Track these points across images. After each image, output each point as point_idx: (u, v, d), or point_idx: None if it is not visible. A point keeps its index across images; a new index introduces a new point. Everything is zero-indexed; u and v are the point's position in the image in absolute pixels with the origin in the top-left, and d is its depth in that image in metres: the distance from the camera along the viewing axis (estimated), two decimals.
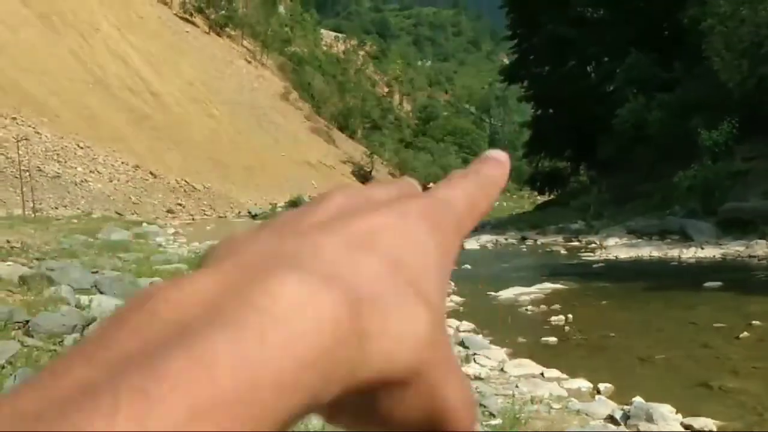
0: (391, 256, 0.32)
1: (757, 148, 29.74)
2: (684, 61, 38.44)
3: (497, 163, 0.43)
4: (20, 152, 54.04)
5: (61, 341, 7.23)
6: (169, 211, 66.19)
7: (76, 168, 65.73)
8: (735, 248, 21.93)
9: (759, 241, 21.84)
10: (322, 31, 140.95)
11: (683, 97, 36.71)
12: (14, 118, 67.46)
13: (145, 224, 42.46)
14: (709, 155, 31.57)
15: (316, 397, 0.28)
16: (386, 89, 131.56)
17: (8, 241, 17.68)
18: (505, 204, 71.02)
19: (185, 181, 76.28)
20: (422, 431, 0.32)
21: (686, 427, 6.84)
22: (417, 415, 0.32)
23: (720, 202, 26.40)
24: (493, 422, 6.53)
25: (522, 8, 52.94)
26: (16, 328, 7.35)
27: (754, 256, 20.40)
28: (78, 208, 56.27)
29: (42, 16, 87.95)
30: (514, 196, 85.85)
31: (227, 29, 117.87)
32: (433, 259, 0.34)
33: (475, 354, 9.98)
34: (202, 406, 0.24)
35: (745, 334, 10.82)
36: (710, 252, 22.12)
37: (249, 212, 68.80)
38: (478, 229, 39.69)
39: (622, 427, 6.80)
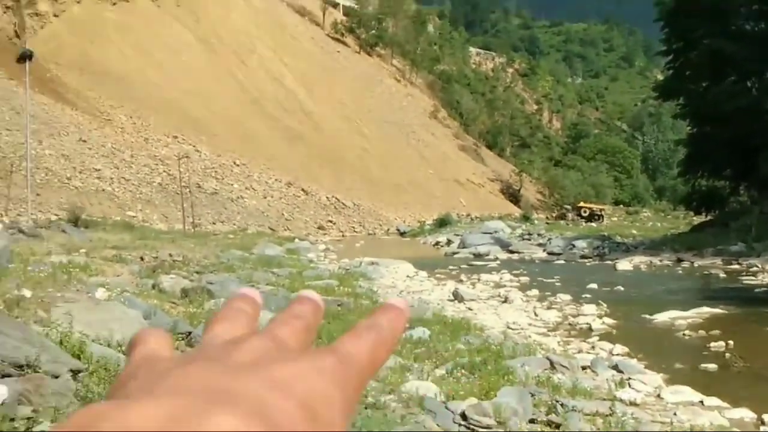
0: (307, 404, 0.44)
1: None
2: None
3: (399, 312, 0.58)
4: (181, 169, 61.63)
5: None
6: (320, 227, 71.37)
7: (232, 185, 75.23)
8: None
9: None
10: (471, 48, 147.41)
11: None
12: (176, 137, 79.10)
13: (296, 240, 47.46)
14: None
15: None
16: (535, 107, 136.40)
17: (170, 255, 20.82)
18: (659, 224, 73.71)
19: (336, 198, 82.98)
20: None
21: None
22: None
23: None
24: None
25: (678, 23, 54.22)
26: (180, 338, 8.71)
27: None
28: (234, 224, 63.16)
29: (202, 40, 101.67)
30: (669, 217, 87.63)
31: (377, 48, 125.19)
32: (338, 413, 0.47)
33: (629, 378, 11.03)
34: None
35: None
36: None
37: (397, 230, 74.84)
38: (631, 250, 43.40)
39: None
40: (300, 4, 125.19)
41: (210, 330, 0.55)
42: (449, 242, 53.01)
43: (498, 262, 37.63)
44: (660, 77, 65.71)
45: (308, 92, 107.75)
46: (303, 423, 0.43)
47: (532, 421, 7.90)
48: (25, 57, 51.31)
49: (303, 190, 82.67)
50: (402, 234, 69.97)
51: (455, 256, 42.23)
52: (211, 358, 0.48)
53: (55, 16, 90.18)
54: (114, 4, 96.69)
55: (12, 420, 4.82)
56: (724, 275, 27.62)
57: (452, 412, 7.56)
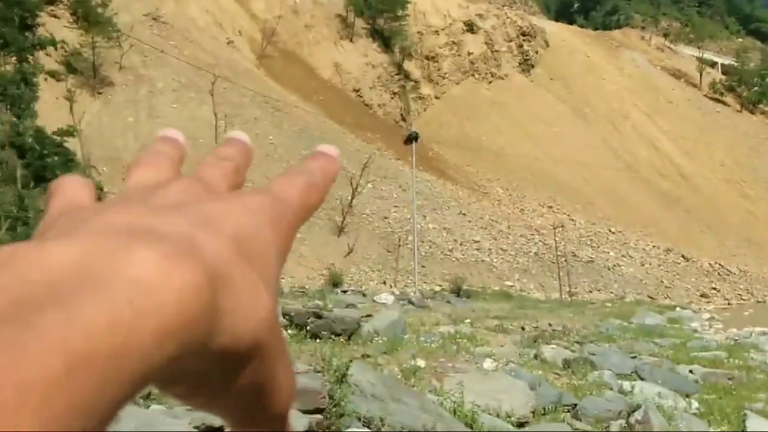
0: (239, 242, 0.42)
1: None
2: None
3: (329, 158, 0.58)
4: (556, 239, 64.88)
5: (608, 426, 8.22)
6: (703, 295, 71.29)
7: (608, 252, 76.01)
8: None
9: None
10: None
11: None
12: (550, 207, 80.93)
13: (678, 308, 46.63)
14: None
15: (173, 365, 0.36)
16: None
17: (550, 324, 20.66)
18: None
19: (719, 264, 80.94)
20: (246, 410, 0.44)
21: None
22: (248, 391, 0.43)
23: None
24: None
25: None
26: (565, 410, 8.47)
27: None
28: (611, 292, 64.02)
29: (574, 110, 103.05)
30: None
31: (760, 106, 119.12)
32: (272, 251, 0.46)
33: None
34: (77, 361, 0.31)
35: None
36: None
37: None
38: None
39: None
40: (674, 67, 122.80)
41: (131, 176, 0.51)
42: None
43: None
44: None
45: (685, 155, 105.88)
46: (236, 261, 0.41)
47: None
48: (411, 138, 54.55)
49: (683, 256, 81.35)
50: None
51: None
52: (133, 201, 0.45)
53: (436, 98, 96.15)
54: (490, 82, 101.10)
55: None
56: None
57: None
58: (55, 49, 55.06)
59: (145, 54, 65.61)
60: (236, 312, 0.38)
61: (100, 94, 59.79)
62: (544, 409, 8.16)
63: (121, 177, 51.59)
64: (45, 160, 43.73)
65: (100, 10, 60.63)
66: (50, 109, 47.75)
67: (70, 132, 44.94)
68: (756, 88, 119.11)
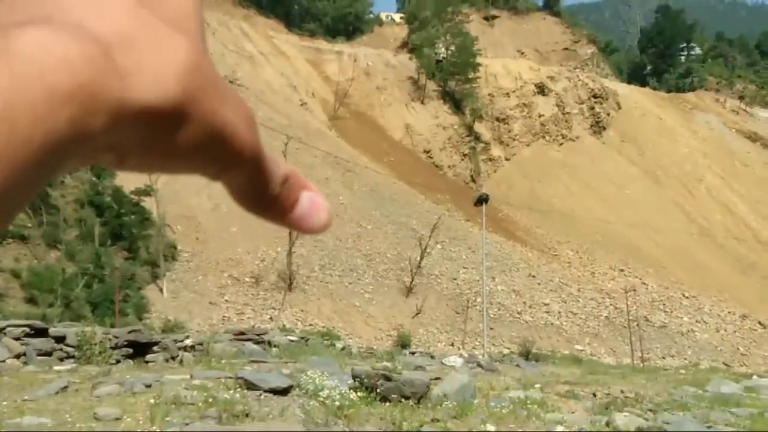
0: None
1: None
2: None
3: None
4: (628, 303, 63.30)
5: None
6: None
7: (682, 318, 73.84)
8: None
9: None
10: None
11: None
12: (621, 270, 79.37)
13: (755, 377, 41.98)
14: None
15: (81, 129, 0.37)
16: None
17: (622, 391, 20.26)
18: None
19: None
20: (210, 158, 0.46)
21: None
22: (201, 139, 0.43)
23: None
24: None
25: None
26: None
27: None
28: (684, 358, 61.16)
29: (647, 172, 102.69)
30: None
31: None
32: None
33: None
34: None
35: None
36: None
37: None
38: None
39: None
40: (750, 130, 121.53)
41: None
42: None
43: None
44: None
45: (762, 219, 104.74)
46: (140, 16, 0.41)
47: None
48: (481, 200, 54.61)
49: (760, 322, 78.90)
50: None
51: None
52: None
53: (507, 159, 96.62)
54: (560, 144, 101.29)
55: None
56: None
57: None
58: None
59: None
60: (147, 67, 0.38)
61: None
62: None
63: (195, 236, 52.95)
64: (122, 219, 44.83)
65: None
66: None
67: (147, 192, 45.93)
68: None
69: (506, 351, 44.98)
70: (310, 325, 43.15)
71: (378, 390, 11.01)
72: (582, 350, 56.06)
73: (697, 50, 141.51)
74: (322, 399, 9.74)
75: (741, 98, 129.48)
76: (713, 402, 20.84)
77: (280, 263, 52.06)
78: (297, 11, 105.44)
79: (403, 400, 10.88)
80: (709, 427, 14.56)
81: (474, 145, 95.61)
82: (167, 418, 7.52)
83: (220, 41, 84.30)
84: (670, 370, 43.54)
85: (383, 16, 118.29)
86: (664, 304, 75.93)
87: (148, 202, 47.30)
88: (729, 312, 78.87)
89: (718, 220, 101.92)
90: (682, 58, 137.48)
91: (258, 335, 28.07)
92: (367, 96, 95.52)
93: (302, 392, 10.52)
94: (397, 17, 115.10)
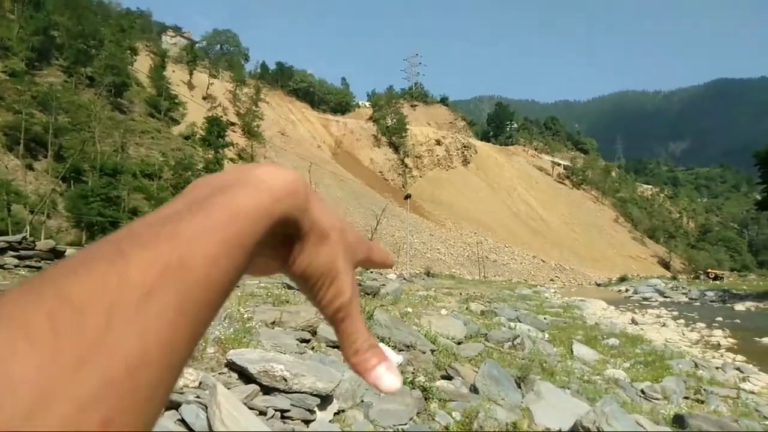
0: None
1: None
2: None
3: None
4: (478, 249, 65.51)
5: (502, 345, 7.53)
6: (551, 279, 68.75)
7: (504, 257, 74.83)
8: None
9: None
10: (638, 183, 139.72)
11: None
12: (475, 233, 78.67)
13: (538, 286, 44.33)
14: None
15: (282, 225, 0.28)
16: (677, 215, 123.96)
17: (474, 292, 19.08)
18: (761, 283, 61.31)
19: (560, 264, 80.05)
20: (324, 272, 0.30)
21: None
22: (324, 257, 0.30)
23: None
24: (766, 422, 6.03)
25: None
26: (481, 337, 7.83)
27: None
28: (505, 277, 61.02)
29: (489, 185, 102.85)
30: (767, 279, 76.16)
31: (582, 186, 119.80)
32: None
33: (748, 376, 9.46)
34: (227, 238, 0.23)
35: None
36: None
37: (596, 283, 68.08)
38: (743, 298, 35.98)
39: None
40: (539, 165, 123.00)
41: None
42: (627, 290, 48.90)
43: (657, 302, 34.57)
44: (758, 197, 54.64)
45: (545, 209, 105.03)
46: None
47: (686, 398, 7.08)
48: (407, 197, 54.73)
49: (541, 260, 79.90)
50: (598, 285, 63.45)
51: (630, 298, 38.96)
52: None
53: (420, 177, 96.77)
54: (446, 170, 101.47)
55: (403, 373, 5.04)
56: None
57: (635, 388, 6.91)
58: (233, 146, 56.04)
59: (276, 151, 66.44)
60: (320, 207, 0.30)
61: None
62: (470, 335, 7.94)
63: None
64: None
65: (256, 128, 62.22)
66: None
67: None
68: (580, 176, 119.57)
69: (418, 272, 44.87)
70: None
71: None
72: (455, 272, 55.84)
73: (515, 125, 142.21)
74: None
75: (536, 149, 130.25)
76: (518, 298, 21.60)
77: None
78: (317, 99, 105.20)
79: (366, 295, 10.70)
80: (516, 310, 14.19)
81: (404, 169, 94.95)
82: (247, 302, 7.24)
83: (276, 113, 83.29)
84: (497, 282, 44.81)
85: (360, 103, 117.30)
86: (496, 250, 76.00)
87: None
88: (527, 254, 79.77)
89: (523, 209, 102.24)
90: (508, 128, 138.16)
91: None
92: (351, 143, 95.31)
93: None
94: (367, 104, 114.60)
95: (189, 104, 56.51)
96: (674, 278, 75.25)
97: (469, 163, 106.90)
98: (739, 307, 29.56)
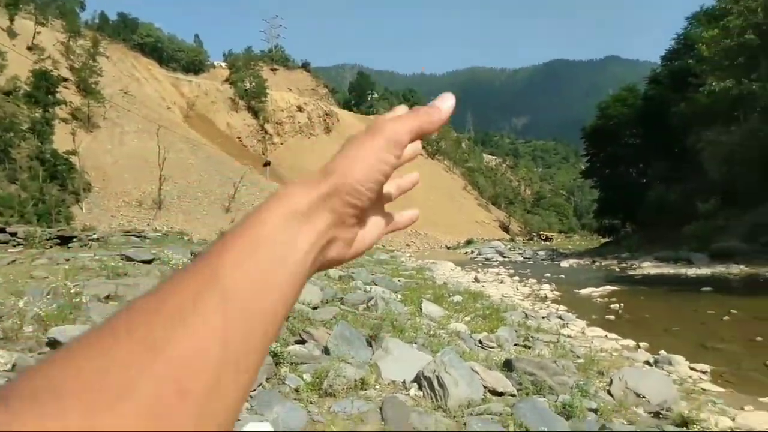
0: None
1: (731, 214, 30.01)
2: (687, 165, 37.94)
3: (438, 111, 0.40)
4: None
5: (357, 307, 7.76)
6: (407, 244, 70.32)
7: None
8: (719, 269, 21.77)
9: (733, 265, 22.00)
10: (484, 154, 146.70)
11: (687, 186, 37.05)
12: None
13: (395, 251, 46.12)
14: (703, 217, 31.93)
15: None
16: (516, 183, 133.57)
17: None
18: (583, 243, 69.13)
19: (415, 230, 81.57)
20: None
21: (692, 368, 6.91)
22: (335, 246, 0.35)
23: (710, 243, 26.66)
24: (579, 361, 6.66)
25: (592, 139, 53.19)
26: (337, 300, 7.98)
27: (732, 274, 20.57)
28: None
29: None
30: (587, 239, 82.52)
31: (436, 156, 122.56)
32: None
33: (567, 323, 10.51)
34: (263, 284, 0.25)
35: (727, 317, 11.00)
36: (704, 271, 21.92)
37: (446, 246, 72.38)
38: (568, 256, 39.07)
39: (654, 368, 6.72)
40: None
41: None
42: (472, 252, 52.22)
43: (497, 262, 36.93)
44: (583, 167, 61.30)
45: (401, 177, 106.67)
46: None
47: (516, 344, 7.82)
48: (267, 164, 53.45)
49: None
50: (448, 248, 67.15)
51: (475, 259, 41.28)
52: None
53: (281, 144, 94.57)
54: (308, 138, 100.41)
55: None
56: (618, 270, 26.27)
57: (474, 339, 7.52)
58: (66, 105, 50.16)
59: (119, 111, 60.43)
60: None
61: (91, 132, 54.66)
62: (327, 300, 7.92)
63: (102, 178, 47.66)
64: (57, 167, 39.53)
65: (93, 86, 56.29)
66: (61, 140, 43.40)
67: (73, 152, 41.01)
68: (435, 146, 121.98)
69: None
70: (171, 228, 40.16)
71: None
72: None
73: (376, 95, 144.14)
74: (171, 265, 8.93)
75: None
76: (376, 263, 21.31)
77: (154, 194, 47.93)
78: (166, 56, 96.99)
79: None
80: (373, 274, 14.23)
81: (264, 135, 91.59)
82: (76, 276, 6.53)
83: (118, 69, 75.29)
84: None
85: (215, 63, 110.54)
86: None
87: (74, 159, 42.03)
88: None
89: None
90: (369, 98, 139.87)
91: (138, 233, 25.72)
92: (205, 106, 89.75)
93: (160, 262, 9.59)
94: (223, 64, 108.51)
95: (9, 54, 48.99)
96: (512, 240, 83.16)
97: (331, 131, 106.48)
98: (564, 264, 31.72)
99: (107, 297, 5.05)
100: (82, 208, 40.43)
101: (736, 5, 32.65)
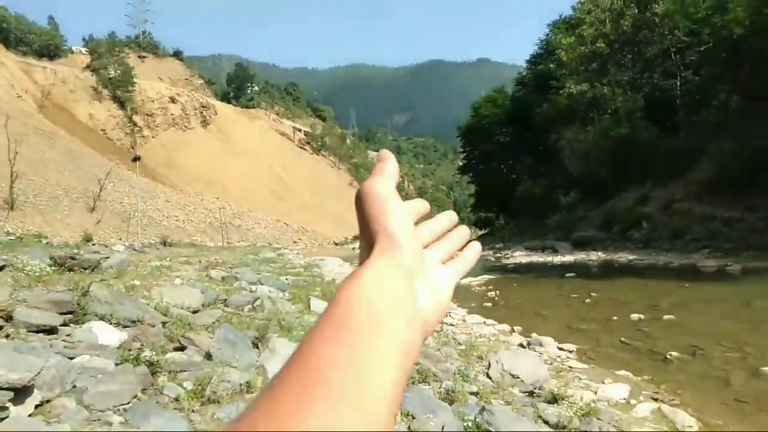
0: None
1: (589, 206, 31.50)
2: (550, 161, 39.00)
3: (474, 250, 0.43)
4: (220, 215, 64.22)
5: (242, 309, 7.57)
6: (294, 242, 70.21)
7: (249, 222, 73.99)
8: (581, 256, 22.50)
9: (592, 252, 23.09)
10: (368, 151, 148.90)
11: (551, 180, 38.43)
12: (218, 198, 77.96)
13: (282, 249, 44.82)
14: (565, 209, 33.36)
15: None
16: (401, 179, 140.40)
17: (215, 259, 18.98)
18: None
19: (302, 227, 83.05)
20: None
21: (560, 348, 7.25)
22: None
23: (572, 232, 27.81)
24: (460, 347, 6.78)
25: (467, 137, 55.13)
26: (220, 303, 7.71)
27: (591, 260, 21.32)
28: (249, 242, 59.91)
29: (231, 150, 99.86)
30: None
31: (321, 152, 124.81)
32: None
33: (449, 312, 10.33)
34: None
35: (588, 300, 11.59)
36: (568, 258, 22.63)
37: (334, 242, 73.10)
38: None
39: (527, 350, 7.07)
40: (281, 130, 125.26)
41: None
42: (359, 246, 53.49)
43: None
44: (461, 163, 63.20)
45: (287, 174, 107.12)
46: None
47: None
48: (136, 159, 49.77)
49: (285, 223, 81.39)
50: (336, 244, 67.93)
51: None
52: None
53: (153, 137, 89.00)
54: (183, 131, 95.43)
55: (129, 350, 4.66)
56: (493, 259, 27.06)
57: None
58: None
59: None
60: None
61: None
62: (208, 303, 7.57)
63: None
64: None
65: None
66: None
67: None
68: (319, 142, 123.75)
69: (153, 242, 41.52)
70: (26, 231, 35.95)
71: (66, 265, 9.37)
72: (196, 240, 53.41)
73: (256, 88, 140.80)
74: (26, 272, 8.01)
75: (277, 114, 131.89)
76: (262, 262, 21.06)
77: (5, 192, 42.70)
78: (13, 39, 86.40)
79: (83, 270, 9.36)
80: (258, 273, 13.74)
81: (132, 128, 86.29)
82: None
83: None
84: (241, 247, 43.31)
85: (74, 48, 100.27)
86: (239, 216, 74.61)
87: None
88: (271, 218, 79.85)
89: (266, 174, 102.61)
90: (249, 91, 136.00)
91: None
92: (63, 95, 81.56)
93: (14, 268, 8.57)
94: (83, 50, 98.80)
95: None
96: None
97: (208, 124, 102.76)
98: None
99: None
100: None
101: (589, 16, 35.89)
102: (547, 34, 49.73)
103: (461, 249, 0.41)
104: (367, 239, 0.34)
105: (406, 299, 0.28)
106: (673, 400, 5.28)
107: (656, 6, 31.05)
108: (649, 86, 33.44)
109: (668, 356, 6.80)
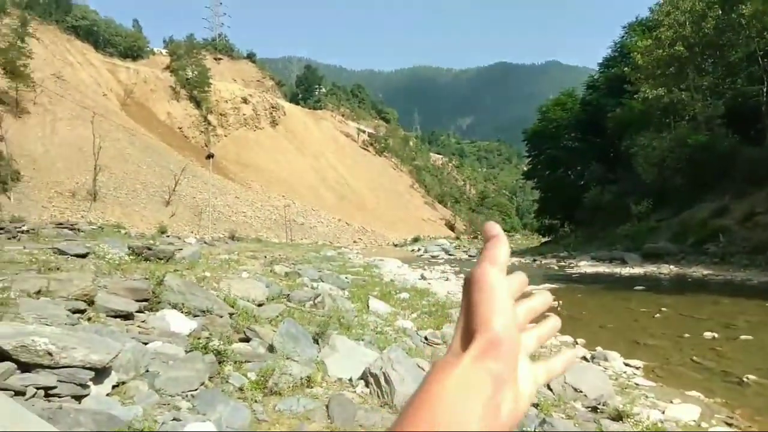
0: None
1: (662, 216, 30.79)
2: (622, 168, 38.58)
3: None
4: (285, 213, 65.11)
5: (304, 304, 7.70)
6: (354, 241, 70.79)
7: (311, 220, 75.20)
8: (651, 269, 22.08)
9: (663, 265, 22.55)
10: (431, 153, 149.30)
11: (621, 188, 37.57)
12: (284, 196, 78.43)
13: (342, 248, 45.24)
14: (636, 218, 32.57)
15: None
16: (462, 183, 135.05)
17: (280, 255, 19.96)
18: (525, 242, 71.36)
19: (363, 227, 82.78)
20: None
21: (626, 364, 7.13)
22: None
23: (642, 243, 27.19)
24: None
25: (533, 141, 54.41)
26: (283, 298, 7.92)
27: (662, 273, 20.93)
28: (312, 240, 61.43)
29: (297, 148, 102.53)
30: (529, 238, 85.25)
31: (384, 153, 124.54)
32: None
33: None
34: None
35: (658, 315, 11.36)
36: (637, 270, 22.27)
37: (393, 243, 72.31)
38: (510, 255, 47.46)
39: (591, 363, 6.90)
40: (346, 131, 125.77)
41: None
42: (419, 249, 52.88)
43: (443, 260, 37.28)
44: (525, 168, 62.17)
45: (350, 174, 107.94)
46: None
47: None
48: (209, 156, 51.98)
49: (346, 223, 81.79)
50: (395, 245, 67.49)
51: (422, 256, 42.06)
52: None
53: (225, 136, 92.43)
54: (254, 130, 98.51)
55: (198, 338, 4.85)
56: (557, 268, 26.76)
57: (420, 336, 7.58)
58: None
59: (51, 97, 57.05)
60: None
61: (20, 117, 51.51)
62: (272, 297, 7.75)
63: (32, 167, 44.77)
64: None
65: (22, 69, 52.92)
66: None
67: None
68: (383, 144, 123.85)
69: (222, 236, 43.27)
70: (107, 221, 38.34)
71: (143, 255, 9.93)
72: (262, 235, 55.22)
73: (323, 89, 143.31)
74: (107, 260, 8.52)
75: (342, 115, 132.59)
76: (323, 259, 21.49)
77: (89, 185, 45.63)
78: (102, 40, 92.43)
79: (158, 260, 9.88)
80: (320, 271, 14.06)
81: (207, 127, 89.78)
82: (4, 270, 6.14)
83: (50, 52, 71.09)
84: (304, 245, 44.19)
85: (155, 50, 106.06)
86: (303, 214, 75.72)
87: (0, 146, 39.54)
88: (333, 217, 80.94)
89: (331, 174, 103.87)
90: (317, 92, 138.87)
91: (71, 225, 24.34)
92: (144, 94, 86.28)
93: (96, 257, 9.14)
94: (164, 51, 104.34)
95: None
96: (458, 238, 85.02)
97: (277, 124, 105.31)
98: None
99: (38, 292, 4.76)
100: (10, 198, 37.86)
101: (667, 18, 34.39)
102: (622, 37, 48.42)
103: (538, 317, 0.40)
104: (467, 324, 0.34)
105: (485, 415, 0.29)
106: (751, 427, 4.98)
107: (743, 7, 29.12)
108: (732, 92, 31.89)
109: (745, 379, 6.45)
